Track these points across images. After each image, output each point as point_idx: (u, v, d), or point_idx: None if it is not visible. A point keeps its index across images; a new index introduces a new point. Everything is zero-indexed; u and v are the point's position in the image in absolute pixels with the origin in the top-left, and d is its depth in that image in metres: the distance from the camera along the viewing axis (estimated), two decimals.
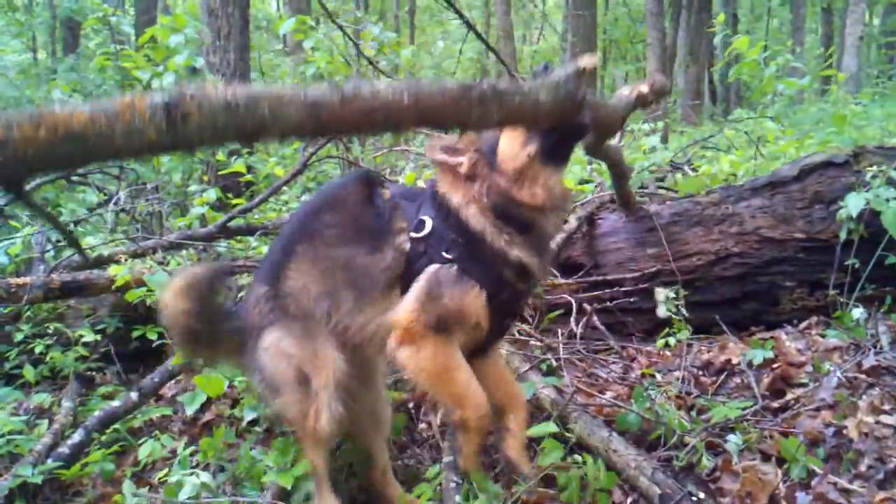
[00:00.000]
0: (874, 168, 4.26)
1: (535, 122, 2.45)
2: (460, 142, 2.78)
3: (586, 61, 2.38)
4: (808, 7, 31.80)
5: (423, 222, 2.76)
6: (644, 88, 2.89)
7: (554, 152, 2.70)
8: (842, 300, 4.24)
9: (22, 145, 1.62)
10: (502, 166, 2.70)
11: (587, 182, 5.97)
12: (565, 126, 2.51)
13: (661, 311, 4.34)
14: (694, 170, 6.43)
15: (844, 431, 3.06)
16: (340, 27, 7.66)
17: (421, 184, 6.06)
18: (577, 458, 2.89)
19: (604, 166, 6.00)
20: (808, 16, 32.97)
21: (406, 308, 2.68)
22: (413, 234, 2.75)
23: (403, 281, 2.76)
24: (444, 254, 2.69)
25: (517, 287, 2.79)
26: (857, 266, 4.18)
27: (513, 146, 2.69)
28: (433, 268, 2.69)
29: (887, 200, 4.01)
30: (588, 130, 2.66)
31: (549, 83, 2.28)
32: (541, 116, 2.31)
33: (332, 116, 1.92)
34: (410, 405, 3.80)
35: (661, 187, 5.74)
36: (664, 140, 10.06)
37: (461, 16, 7.47)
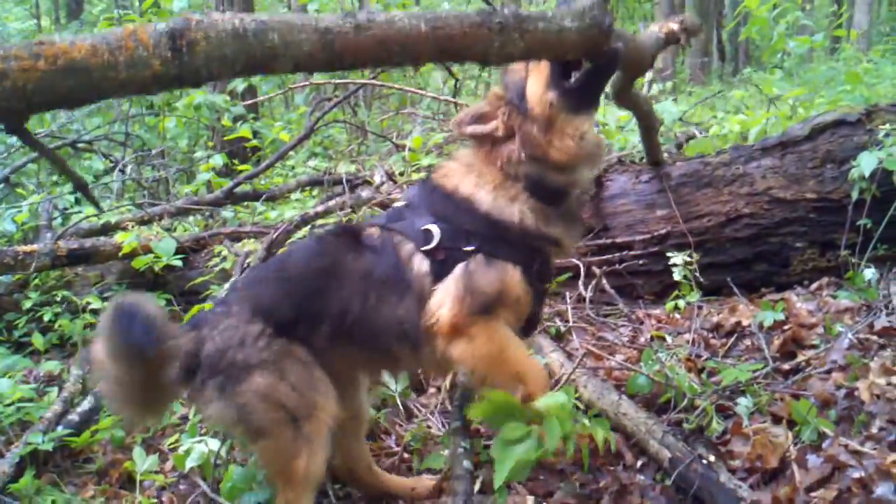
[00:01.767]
0: (887, 126, 4.19)
1: (562, 53, 2.33)
2: (485, 105, 2.68)
3: None
4: None
5: (427, 232, 2.63)
6: (674, 26, 2.80)
7: (584, 94, 2.59)
8: (853, 261, 4.19)
9: (21, 77, 1.56)
10: (534, 111, 2.58)
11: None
12: (595, 58, 2.41)
13: (678, 276, 4.29)
14: (705, 130, 6.35)
15: (856, 393, 3.04)
16: None
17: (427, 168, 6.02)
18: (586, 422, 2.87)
19: (611, 125, 5.98)
20: None
21: (445, 306, 2.55)
22: (424, 249, 2.63)
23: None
24: (463, 248, 2.59)
25: (548, 254, 2.71)
26: (868, 226, 4.13)
27: (539, 87, 2.58)
28: (460, 266, 2.57)
29: None
30: (619, 59, 2.56)
31: (575, 10, 2.19)
32: (567, 46, 2.22)
33: (346, 45, 1.85)
34: (419, 371, 3.78)
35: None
36: (674, 100, 9.96)
37: None
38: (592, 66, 2.50)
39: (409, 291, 2.63)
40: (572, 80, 2.54)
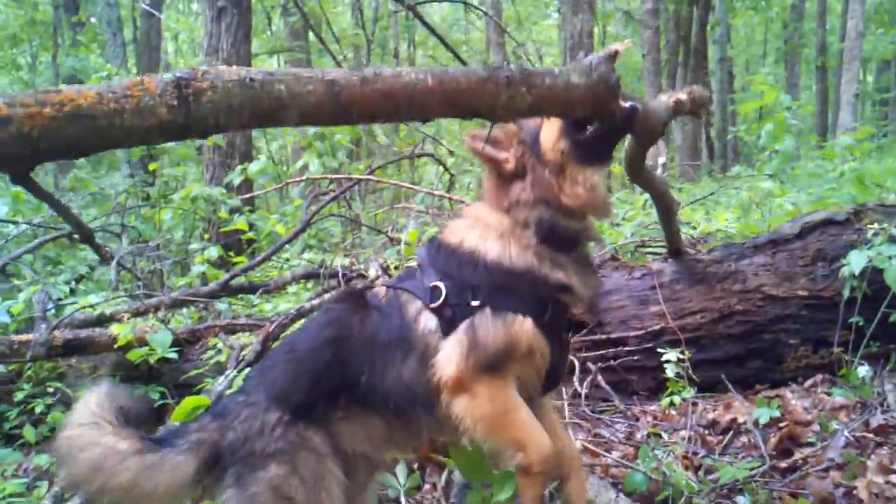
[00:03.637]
0: (875, 226, 4.28)
1: (570, 108, 2.34)
2: (500, 134, 2.63)
3: (618, 45, 2.34)
4: (802, 65, 32.28)
5: (435, 288, 2.60)
6: (683, 96, 2.84)
7: (596, 148, 2.59)
8: (846, 358, 4.22)
9: (26, 123, 1.56)
10: (546, 156, 2.58)
11: None
12: (610, 118, 2.43)
13: (671, 373, 4.30)
14: (693, 228, 6.44)
15: (854, 492, 3.04)
16: (335, 61, 7.78)
17: (423, 243, 6.06)
18: None
19: (605, 221, 6.05)
20: (803, 73, 33.45)
21: (450, 360, 2.50)
22: (432, 305, 2.59)
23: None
24: (470, 303, 2.54)
25: (561, 301, 2.64)
26: (861, 324, 4.18)
27: (553, 135, 2.58)
28: (466, 321, 2.53)
29: (889, 258, 4.02)
30: (636, 118, 2.55)
31: (582, 66, 2.23)
32: (574, 101, 2.24)
33: (353, 97, 1.86)
34: (415, 466, 3.75)
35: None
36: None
37: (457, 56, 7.58)
38: (608, 121, 2.50)
39: (414, 350, 2.59)
40: (587, 132, 2.54)
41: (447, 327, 2.56)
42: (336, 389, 2.60)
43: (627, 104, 2.47)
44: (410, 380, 2.58)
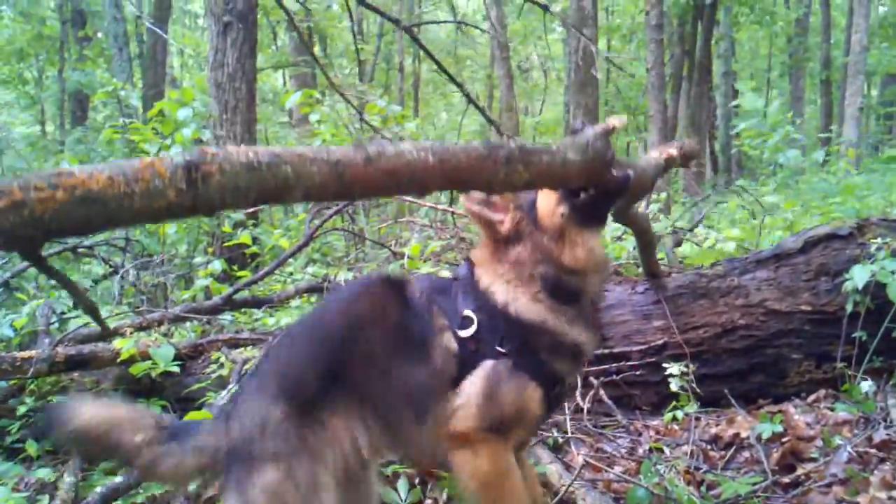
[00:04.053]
0: (878, 240, 4.28)
1: (565, 182, 2.39)
2: (496, 199, 2.65)
3: (615, 121, 2.38)
4: (807, 79, 32.30)
5: (468, 318, 2.58)
6: (673, 151, 2.88)
7: (592, 212, 2.63)
8: (850, 373, 4.21)
9: (39, 207, 1.58)
10: (543, 222, 2.62)
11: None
12: (604, 184, 2.48)
13: (675, 387, 4.30)
14: (697, 244, 6.44)
15: None
16: (343, 95, 7.79)
17: (427, 260, 6.08)
18: None
19: (606, 236, 6.06)
20: (808, 87, 33.47)
21: (465, 411, 2.51)
22: (460, 334, 2.57)
23: (457, 381, 2.58)
24: (497, 348, 2.53)
25: (568, 377, 2.68)
26: (864, 338, 4.17)
27: (551, 202, 2.62)
28: (488, 364, 2.52)
29: (893, 272, 4.01)
30: (629, 186, 2.61)
31: (578, 142, 2.26)
32: (570, 176, 2.28)
33: (357, 176, 1.89)
34: (416, 481, 3.75)
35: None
36: (667, 211, 10.11)
37: (460, 87, 7.61)
38: (603, 189, 2.54)
39: (429, 363, 2.56)
40: (582, 196, 2.58)
41: (468, 357, 2.55)
42: (341, 377, 2.55)
43: (620, 174, 2.51)
44: (415, 386, 2.56)
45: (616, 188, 2.58)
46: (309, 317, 2.99)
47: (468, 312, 2.59)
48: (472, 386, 2.53)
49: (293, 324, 3.31)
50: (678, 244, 6.04)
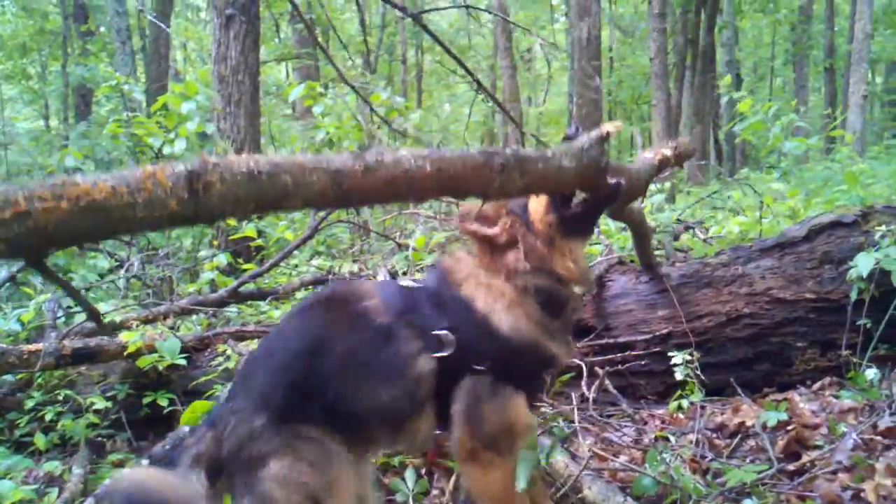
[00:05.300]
0: (883, 228, 4.27)
1: (560, 189, 2.43)
2: (488, 208, 2.66)
3: (610, 127, 2.38)
4: (811, 67, 32.21)
5: (445, 337, 2.54)
6: (667, 152, 2.88)
7: (580, 223, 2.67)
8: (855, 360, 4.21)
9: (43, 217, 1.59)
10: (536, 225, 2.64)
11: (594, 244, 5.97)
12: (594, 191, 2.49)
13: (680, 375, 4.31)
14: (706, 229, 6.44)
15: (862, 495, 3.02)
16: (352, 87, 7.78)
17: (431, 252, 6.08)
18: None
19: (612, 226, 6.06)
20: (812, 75, 33.39)
21: (457, 432, 2.53)
22: (434, 355, 2.53)
23: (438, 397, 2.58)
24: (474, 366, 2.53)
25: (544, 377, 2.73)
26: (868, 326, 4.17)
27: (542, 207, 2.64)
28: (467, 383, 2.53)
29: None
30: (620, 194, 2.61)
31: (573, 149, 2.28)
32: (565, 183, 2.30)
33: (355, 185, 1.91)
34: (423, 471, 3.76)
35: (678, 249, 5.73)
36: (671, 199, 10.11)
37: (471, 74, 7.60)
38: (593, 197, 2.57)
39: (404, 380, 2.55)
40: (572, 205, 2.62)
41: (445, 375, 2.55)
42: (311, 398, 2.54)
43: (612, 181, 2.51)
44: (389, 403, 2.56)
45: (607, 196, 2.59)
46: (261, 349, 2.89)
47: (442, 331, 2.56)
48: (457, 406, 2.55)
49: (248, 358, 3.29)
50: (676, 238, 6.04)
